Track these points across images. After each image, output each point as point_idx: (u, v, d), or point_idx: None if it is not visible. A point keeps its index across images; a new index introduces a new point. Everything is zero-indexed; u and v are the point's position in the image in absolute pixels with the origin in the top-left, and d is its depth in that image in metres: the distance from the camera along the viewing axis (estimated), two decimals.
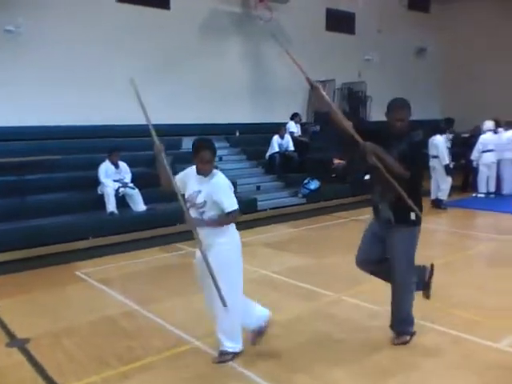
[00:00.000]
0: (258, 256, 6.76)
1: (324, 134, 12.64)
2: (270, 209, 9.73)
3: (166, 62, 11.01)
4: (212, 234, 3.65)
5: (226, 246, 3.67)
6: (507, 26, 15.21)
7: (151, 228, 7.91)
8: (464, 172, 11.93)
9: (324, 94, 3.79)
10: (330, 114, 3.83)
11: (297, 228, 8.72)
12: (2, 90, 8.87)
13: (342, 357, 3.81)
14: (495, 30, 15.45)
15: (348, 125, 3.73)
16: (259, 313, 3.91)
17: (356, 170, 11.01)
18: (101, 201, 7.89)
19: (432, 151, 9.90)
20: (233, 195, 3.69)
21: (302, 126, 12.34)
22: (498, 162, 11.02)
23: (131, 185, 8.15)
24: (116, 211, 7.85)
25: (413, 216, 3.78)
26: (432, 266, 4.14)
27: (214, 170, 3.74)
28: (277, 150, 10.82)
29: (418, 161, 3.88)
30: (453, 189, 10.34)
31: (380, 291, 5.19)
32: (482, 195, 10.94)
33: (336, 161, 11.23)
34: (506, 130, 11.30)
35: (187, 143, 10.57)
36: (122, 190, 8.01)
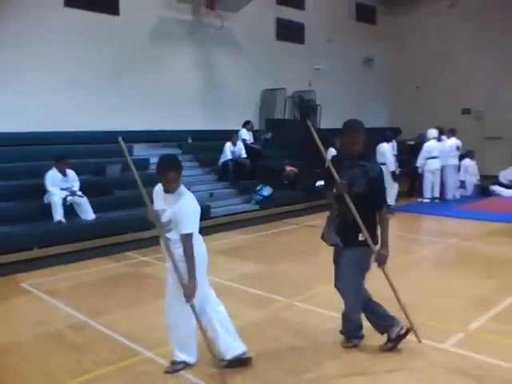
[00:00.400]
0: (211, 263, 6.62)
1: (276, 141, 12.80)
2: (223, 216, 9.73)
3: (116, 68, 10.85)
4: (176, 246, 3.60)
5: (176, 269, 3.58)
6: (450, 37, 15.92)
7: (100, 237, 7.73)
8: (410, 178, 12.36)
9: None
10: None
11: (250, 235, 8.76)
12: None
13: (295, 362, 3.86)
14: (439, 41, 16.14)
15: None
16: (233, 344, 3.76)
17: (307, 178, 11.22)
18: (47, 210, 7.63)
19: (379, 158, 10.19)
20: (194, 219, 3.60)
21: (254, 133, 12.44)
22: (442, 169, 11.49)
23: (79, 193, 7.94)
24: (64, 220, 7.63)
25: (361, 237, 3.80)
26: (408, 330, 3.95)
27: (182, 188, 3.65)
28: (229, 157, 10.86)
29: (381, 196, 3.91)
30: (399, 194, 10.70)
31: (330, 296, 5.31)
32: (427, 200, 11.37)
33: (288, 168, 11.39)
34: (449, 137, 11.81)
35: (138, 150, 10.45)
36: (69, 198, 7.79)
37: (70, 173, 8.06)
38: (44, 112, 9.54)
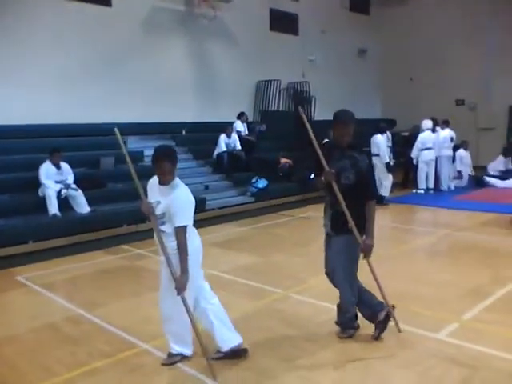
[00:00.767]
0: (206, 256, 6.67)
1: (270, 133, 12.79)
2: (219, 208, 9.73)
3: (109, 60, 10.77)
4: (170, 239, 3.60)
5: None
6: (444, 28, 15.90)
7: (95, 230, 7.71)
8: (404, 169, 12.40)
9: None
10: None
11: (245, 227, 8.78)
12: None
13: (290, 353, 3.88)
14: (433, 32, 16.12)
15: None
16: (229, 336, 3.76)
17: (302, 170, 11.22)
18: (42, 203, 7.60)
19: (373, 149, 10.25)
20: (188, 211, 3.60)
21: (249, 125, 12.41)
22: (436, 160, 11.53)
23: (74, 186, 7.91)
24: (58, 213, 7.60)
25: (350, 225, 3.86)
26: (393, 306, 4.02)
27: (177, 180, 3.66)
28: (224, 149, 10.83)
29: (370, 187, 3.94)
30: (394, 185, 10.74)
31: (325, 288, 5.33)
32: (422, 191, 11.42)
33: (283, 160, 11.38)
34: (443, 128, 11.84)
35: (132, 142, 10.40)
36: (64, 191, 7.76)
37: (64, 166, 8.03)
38: (37, 105, 9.47)
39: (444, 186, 11.79)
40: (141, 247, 7.22)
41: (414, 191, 11.55)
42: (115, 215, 8.07)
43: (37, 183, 7.70)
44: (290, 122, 13.17)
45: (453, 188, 12.00)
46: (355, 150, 3.89)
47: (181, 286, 3.48)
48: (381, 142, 10.14)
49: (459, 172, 12.33)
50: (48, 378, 3.59)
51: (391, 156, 10.61)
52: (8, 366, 3.81)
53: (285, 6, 14.69)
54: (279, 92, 13.91)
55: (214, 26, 12.52)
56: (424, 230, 8.50)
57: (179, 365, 3.70)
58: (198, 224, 6.72)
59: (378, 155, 10.15)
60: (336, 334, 4.13)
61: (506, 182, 12.02)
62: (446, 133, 11.80)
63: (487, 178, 12.31)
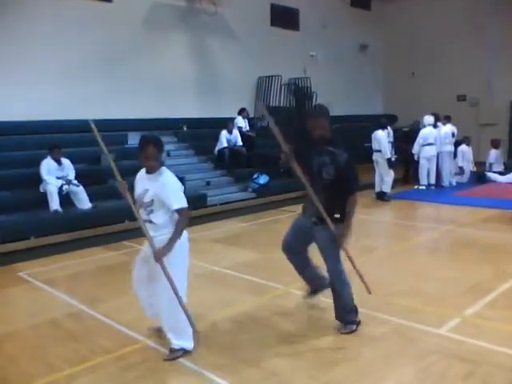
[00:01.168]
0: (208, 252, 6.76)
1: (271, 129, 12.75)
2: (220, 204, 9.73)
3: (110, 56, 10.75)
4: (159, 233, 3.65)
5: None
6: (446, 23, 15.85)
7: (97, 226, 7.73)
8: (405, 165, 12.37)
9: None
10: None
11: (247, 223, 8.77)
12: None
13: (292, 349, 3.88)
14: (434, 28, 16.08)
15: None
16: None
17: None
18: (43, 199, 7.61)
19: (375, 145, 10.22)
20: (181, 193, 3.64)
21: (250, 120, 12.39)
22: (438, 155, 11.50)
23: (75, 182, 7.92)
24: (60, 209, 7.61)
25: (337, 215, 3.96)
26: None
27: (163, 168, 3.71)
28: (225, 145, 10.82)
29: (350, 181, 3.99)
30: (395, 181, 10.72)
31: None
32: (424, 187, 11.39)
33: (283, 155, 11.33)
34: (445, 124, 11.81)
35: (133, 139, 10.40)
36: (65, 187, 7.77)
37: (65, 162, 8.03)
38: (38, 101, 9.47)
39: (445, 182, 11.77)
40: (142, 243, 7.14)
41: (416, 187, 11.52)
42: (116, 211, 8.06)
43: (38, 179, 7.71)
44: (291, 117, 13.14)
45: (454, 184, 11.97)
46: (334, 145, 3.99)
47: (160, 255, 3.51)
48: (382, 138, 10.11)
49: (461, 168, 12.31)
50: (50, 373, 3.59)
51: (393, 152, 10.59)
52: (10, 362, 3.81)
53: (285, 1, 14.65)
54: (280, 88, 13.88)
55: (214, 21, 12.49)
56: (426, 225, 8.49)
57: (181, 360, 3.70)
58: (199, 220, 6.73)
59: (379, 151, 10.13)
60: (337, 329, 4.13)
61: (508, 176, 11.99)
62: (448, 128, 11.77)
63: (488, 174, 12.29)
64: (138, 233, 4.01)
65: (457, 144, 12.17)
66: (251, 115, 12.92)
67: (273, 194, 10.62)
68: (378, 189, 10.35)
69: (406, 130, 12.95)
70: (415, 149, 11.39)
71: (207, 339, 4.06)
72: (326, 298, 4.80)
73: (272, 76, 13.69)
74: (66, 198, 7.83)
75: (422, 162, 11.33)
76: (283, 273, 5.73)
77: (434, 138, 11.33)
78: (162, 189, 3.57)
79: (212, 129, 11.38)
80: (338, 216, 3.95)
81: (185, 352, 3.76)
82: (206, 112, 12.45)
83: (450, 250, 7.00)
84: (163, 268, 3.52)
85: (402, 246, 6.99)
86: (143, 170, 3.74)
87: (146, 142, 3.65)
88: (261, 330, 4.22)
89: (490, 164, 12.71)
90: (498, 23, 14.79)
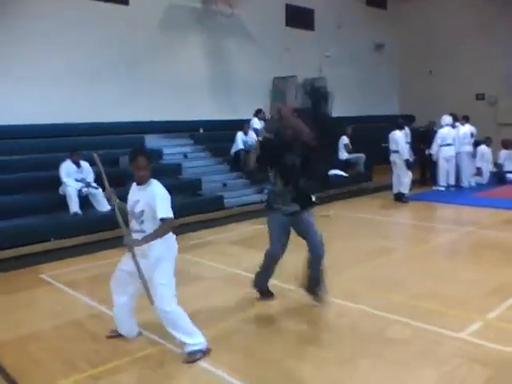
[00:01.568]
0: (226, 254, 6.77)
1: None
2: (237, 206, 9.74)
3: (126, 58, 10.85)
4: (152, 245, 3.75)
5: (157, 258, 3.76)
6: (463, 21, 15.68)
7: (116, 228, 7.76)
8: (421, 166, 12.26)
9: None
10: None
11: (263, 225, 8.72)
12: None
13: (310, 350, 3.88)
14: (451, 26, 15.91)
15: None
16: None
17: (320, 167, 11.16)
18: (63, 201, 7.71)
19: (392, 146, 10.14)
20: (169, 204, 3.73)
21: (266, 122, 12.37)
22: (457, 156, 11.37)
23: (94, 184, 8.00)
24: (79, 211, 7.70)
25: (314, 198, 4.60)
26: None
27: (151, 179, 3.83)
28: (241, 146, 10.83)
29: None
30: (412, 182, 10.62)
31: (345, 286, 5.33)
32: (442, 188, 11.26)
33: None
34: (463, 124, 11.67)
35: (150, 141, 10.49)
36: (84, 189, 7.85)
37: (84, 164, 8.12)
38: (56, 104, 9.58)
39: (465, 183, 11.63)
40: None
41: (434, 188, 11.41)
42: None
43: (58, 182, 7.81)
44: (307, 118, 13.09)
45: (474, 185, 11.82)
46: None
47: (132, 243, 3.69)
48: (399, 139, 10.03)
49: (478, 169, 12.12)
50: (72, 374, 3.64)
51: (410, 152, 10.49)
52: (33, 362, 3.87)
53: (300, 1, 14.63)
54: (296, 88, 13.84)
55: (230, 23, 12.53)
56: (445, 227, 8.40)
57: (200, 362, 3.72)
58: (216, 222, 6.75)
59: (396, 152, 10.05)
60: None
61: None
62: (466, 128, 11.63)
63: (509, 175, 12.10)
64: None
65: (476, 144, 12.02)
66: (267, 116, 12.91)
67: None
68: (395, 190, 10.28)
69: (422, 129, 12.82)
70: (433, 149, 11.28)
71: (227, 341, 4.07)
72: (341, 301, 4.79)
73: (287, 76, 13.67)
74: (85, 201, 7.92)
75: (441, 162, 11.22)
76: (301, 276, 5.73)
77: (453, 139, 11.21)
78: (152, 198, 3.68)
79: (228, 131, 11.40)
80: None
81: (203, 353, 3.77)
82: (222, 114, 12.47)
83: (471, 251, 6.91)
84: (133, 256, 3.69)
85: (421, 248, 6.92)
86: (134, 184, 3.88)
87: (138, 153, 3.81)
88: (279, 333, 4.22)
89: (501, 164, 12.47)
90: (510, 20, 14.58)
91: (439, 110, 12.66)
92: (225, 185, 10.23)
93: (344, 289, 5.19)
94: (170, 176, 9.74)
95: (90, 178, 8.06)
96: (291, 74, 13.58)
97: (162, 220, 3.66)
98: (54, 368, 3.76)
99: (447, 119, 11.36)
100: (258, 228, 8.57)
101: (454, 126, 11.40)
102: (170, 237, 3.85)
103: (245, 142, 10.90)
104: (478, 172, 12.13)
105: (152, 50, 11.32)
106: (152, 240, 3.69)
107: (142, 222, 3.75)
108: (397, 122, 10.51)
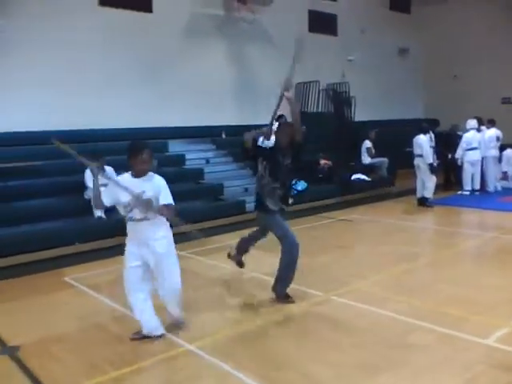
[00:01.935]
0: (247, 257, 6.76)
1: (310, 134, 12.71)
2: None
3: (150, 65, 10.99)
4: (159, 231, 4.13)
5: (166, 239, 4.20)
6: (487, 24, 15.44)
7: None
8: (445, 170, 12.08)
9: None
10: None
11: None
12: None
13: (332, 355, 3.85)
14: (476, 29, 15.69)
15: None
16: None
17: (342, 171, 11.13)
18: (88, 206, 7.82)
19: (416, 150, 10.03)
20: (170, 193, 4.07)
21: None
22: (482, 160, 11.18)
23: None
24: (103, 215, 7.80)
25: (291, 201, 5.12)
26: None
27: (150, 172, 4.08)
28: None
29: None
30: (436, 187, 10.48)
31: (367, 291, 5.28)
32: (467, 192, 11.07)
33: (322, 161, 11.30)
34: (489, 128, 11.48)
35: (173, 146, 10.58)
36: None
37: (109, 169, 8.22)
38: (80, 110, 9.74)
39: (490, 187, 11.41)
40: (182, 249, 7.28)
41: (459, 193, 11.23)
42: None
43: (83, 187, 7.94)
44: (329, 123, 13.07)
45: (500, 189, 11.59)
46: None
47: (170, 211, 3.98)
48: (424, 143, 9.91)
49: (504, 173, 11.88)
50: (95, 375, 3.68)
51: (435, 157, 10.36)
52: (58, 364, 3.93)
53: (323, 6, 14.62)
54: (318, 93, 13.83)
55: (252, 29, 12.59)
56: (470, 232, 8.26)
57: (222, 365, 3.72)
58: (237, 226, 6.78)
59: (421, 156, 9.93)
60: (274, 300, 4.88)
61: None
62: (492, 132, 11.43)
63: None
64: (178, 238, 4.15)
65: (502, 148, 11.79)
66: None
67: (311, 200, 10.55)
68: (419, 194, 10.15)
69: (443, 132, 12.60)
70: (458, 153, 11.12)
71: (247, 344, 4.08)
72: (366, 305, 4.75)
73: (310, 82, 13.66)
74: None
75: (466, 166, 11.04)
76: (323, 279, 5.71)
77: (478, 142, 11.03)
78: (158, 189, 3.98)
79: None
80: None
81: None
82: (244, 119, 12.51)
83: (497, 257, 6.77)
84: (171, 216, 4.02)
85: (446, 253, 6.81)
86: (127, 175, 4.05)
87: (143, 147, 4.03)
88: (304, 338, 4.20)
89: None
90: None
91: (464, 113, 12.46)
92: (246, 189, 10.24)
93: (367, 293, 5.15)
94: (192, 181, 9.83)
95: None
96: (314, 79, 13.57)
97: (167, 206, 3.95)
98: (77, 370, 3.81)
99: (472, 123, 11.19)
100: None
101: (479, 130, 11.22)
102: (169, 227, 4.23)
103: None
104: (504, 176, 11.89)
105: (175, 57, 11.45)
106: (172, 214, 4.01)
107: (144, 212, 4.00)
108: (421, 126, 10.39)
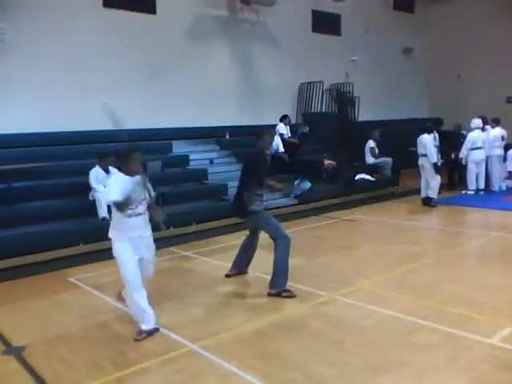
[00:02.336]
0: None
1: (313, 135, 12.72)
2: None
3: (154, 66, 11.02)
4: (146, 223, 4.43)
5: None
6: (491, 24, 15.39)
7: None
8: (448, 169, 12.04)
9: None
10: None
11: (289, 229, 8.66)
12: None
13: (336, 355, 3.84)
14: (480, 29, 15.63)
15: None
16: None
17: (346, 171, 11.11)
18: (93, 207, 7.85)
19: (420, 150, 10.01)
20: None
21: (292, 127, 12.38)
22: (487, 159, 11.13)
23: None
24: (108, 216, 7.80)
25: None
26: None
27: None
28: None
29: None
30: (440, 186, 10.45)
31: (372, 291, 5.27)
32: (472, 192, 11.04)
33: (326, 161, 11.24)
34: (494, 127, 11.44)
35: (177, 147, 10.60)
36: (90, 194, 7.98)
37: (113, 170, 8.23)
38: (84, 111, 9.77)
39: (495, 187, 11.38)
40: (187, 249, 7.34)
41: (464, 192, 11.19)
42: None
43: (87, 188, 7.97)
44: (333, 123, 13.07)
45: (504, 189, 11.54)
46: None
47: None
48: (428, 142, 9.88)
49: (510, 172, 11.82)
50: (99, 375, 3.69)
51: (439, 156, 10.33)
52: (61, 364, 3.94)
53: (327, 6, 14.61)
54: (322, 93, 13.83)
55: (256, 29, 12.61)
56: (475, 232, 8.23)
57: (226, 365, 3.73)
58: (242, 226, 6.80)
59: (425, 155, 9.91)
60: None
61: None
62: (497, 131, 11.39)
63: None
64: (182, 239, 4.16)
65: (507, 147, 11.74)
66: (293, 121, 12.92)
67: (315, 201, 10.55)
68: (423, 194, 10.12)
69: (446, 131, 12.54)
70: (463, 153, 11.09)
71: (251, 344, 4.08)
72: (370, 305, 4.74)
73: (314, 82, 13.66)
74: None
75: (470, 166, 11.01)
76: (327, 279, 5.71)
77: (483, 142, 11.00)
78: (147, 183, 4.32)
79: (254, 136, 11.40)
80: None
81: None
82: (247, 119, 12.53)
83: (501, 256, 6.74)
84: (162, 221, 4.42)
85: (450, 253, 6.79)
86: (121, 174, 4.24)
87: (137, 149, 4.35)
88: (307, 338, 4.20)
89: None
90: None
91: (469, 113, 12.43)
92: None
93: (371, 293, 5.14)
94: (196, 181, 9.84)
95: None
96: (317, 79, 13.57)
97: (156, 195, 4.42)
98: (81, 370, 3.82)
99: (477, 122, 11.15)
100: None
101: (483, 129, 11.18)
102: None
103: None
104: (509, 176, 11.83)
105: (179, 58, 11.48)
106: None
107: (143, 205, 4.31)
108: (425, 126, 10.36)
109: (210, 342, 4.10)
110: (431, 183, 9.98)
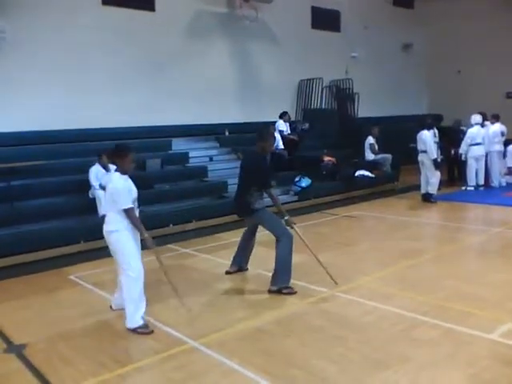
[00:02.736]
0: (253, 255, 6.77)
1: (313, 131, 12.72)
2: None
3: (153, 63, 11.01)
4: None
5: None
6: (491, 19, 15.36)
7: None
8: (448, 165, 12.04)
9: None
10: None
11: (289, 226, 8.73)
12: None
13: (337, 352, 3.85)
14: (479, 24, 15.60)
15: None
16: None
17: (346, 168, 11.11)
18: (93, 204, 7.86)
19: (420, 146, 10.01)
20: None
21: (291, 124, 12.38)
22: (487, 155, 11.13)
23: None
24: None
25: None
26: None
27: None
28: None
29: None
30: (440, 183, 10.45)
31: (372, 287, 5.28)
32: (472, 188, 11.05)
33: (326, 158, 11.28)
34: (493, 123, 11.43)
35: (177, 144, 10.60)
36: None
37: (113, 168, 8.23)
38: (85, 109, 9.78)
39: (495, 183, 11.39)
40: (187, 246, 7.34)
41: (463, 188, 11.20)
42: (162, 215, 8.25)
43: (87, 185, 7.97)
44: (332, 119, 13.06)
45: (504, 184, 11.55)
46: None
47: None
48: (427, 138, 9.88)
49: (509, 168, 11.82)
50: (101, 372, 3.70)
51: (439, 152, 10.34)
52: (63, 361, 3.95)
53: (326, 3, 14.58)
54: (322, 90, 13.81)
55: (255, 26, 12.58)
56: (474, 228, 8.24)
57: (227, 362, 3.74)
58: (242, 223, 6.80)
59: (424, 152, 9.91)
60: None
61: None
62: (497, 127, 11.39)
63: None
64: (182, 236, 4.16)
65: (506, 143, 11.74)
66: (292, 118, 12.90)
67: (315, 197, 10.56)
68: (423, 190, 10.13)
69: (447, 127, 12.54)
70: (462, 149, 11.09)
71: (253, 341, 4.09)
72: (371, 302, 4.75)
73: (313, 78, 13.65)
74: None
75: (470, 162, 11.02)
76: (327, 276, 5.70)
77: (482, 138, 11.00)
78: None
79: (253, 133, 11.37)
80: None
81: None
82: (247, 116, 12.52)
83: (502, 252, 6.75)
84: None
85: (450, 249, 6.80)
86: (118, 174, 4.38)
87: (131, 149, 4.43)
88: (309, 334, 4.21)
89: None
90: None
91: (468, 109, 12.42)
92: None
93: (372, 289, 5.15)
94: (196, 179, 9.85)
95: None
96: (317, 76, 13.55)
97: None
98: (83, 367, 3.83)
99: (477, 118, 11.15)
100: None
101: (483, 125, 11.17)
102: None
103: None
104: (509, 171, 11.83)
105: (178, 55, 11.46)
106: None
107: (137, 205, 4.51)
108: (425, 122, 10.36)
109: (211, 339, 4.11)
110: (431, 179, 9.98)
